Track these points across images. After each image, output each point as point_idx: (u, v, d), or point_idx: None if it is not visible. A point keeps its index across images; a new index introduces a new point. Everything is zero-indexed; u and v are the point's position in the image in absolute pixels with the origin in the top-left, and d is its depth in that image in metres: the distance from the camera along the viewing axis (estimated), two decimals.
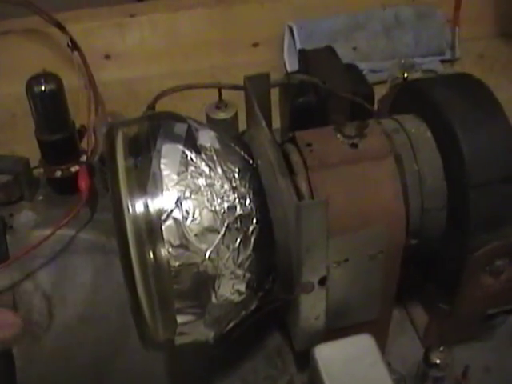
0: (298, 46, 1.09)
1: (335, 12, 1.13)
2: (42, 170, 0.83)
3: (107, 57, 1.13)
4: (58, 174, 0.81)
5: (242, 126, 0.80)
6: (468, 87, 0.60)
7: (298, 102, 0.74)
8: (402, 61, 0.86)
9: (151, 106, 0.68)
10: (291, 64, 1.10)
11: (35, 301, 0.79)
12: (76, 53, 1.03)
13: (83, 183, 0.79)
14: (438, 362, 0.61)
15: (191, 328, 0.54)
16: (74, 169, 0.81)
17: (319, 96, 0.73)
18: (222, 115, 0.80)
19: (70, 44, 1.03)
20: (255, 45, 1.16)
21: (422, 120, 0.61)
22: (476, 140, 0.56)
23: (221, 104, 0.80)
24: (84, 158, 0.83)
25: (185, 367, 0.69)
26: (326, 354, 0.58)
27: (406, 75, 0.84)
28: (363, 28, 1.14)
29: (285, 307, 0.62)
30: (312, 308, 0.58)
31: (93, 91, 1.02)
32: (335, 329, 0.61)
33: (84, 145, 0.87)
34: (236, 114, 0.80)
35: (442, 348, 0.61)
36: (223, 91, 0.78)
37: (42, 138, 0.80)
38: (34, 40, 1.07)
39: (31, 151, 0.85)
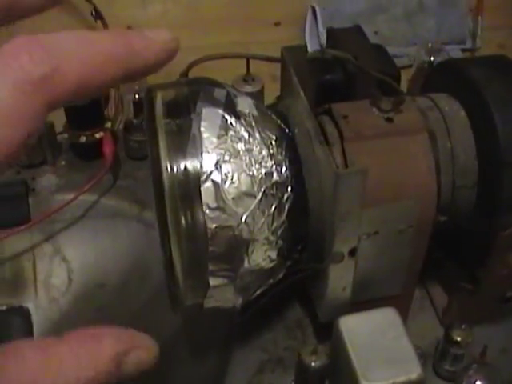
0: (321, 27, 1.09)
1: None
2: (65, 135, 0.83)
3: (129, 28, 1.13)
4: (83, 139, 0.82)
5: (267, 100, 0.81)
6: (503, 67, 0.61)
7: (324, 79, 0.74)
8: (430, 44, 0.86)
9: (184, 74, 0.68)
10: (312, 45, 1.11)
11: (54, 264, 0.80)
12: (99, 22, 1.03)
13: (108, 149, 0.80)
14: (458, 339, 0.62)
15: (221, 292, 0.55)
16: (98, 135, 0.81)
17: (346, 74, 0.74)
18: (248, 88, 0.80)
19: (93, 13, 1.03)
20: (277, 24, 1.16)
21: (456, 99, 0.61)
22: (511, 119, 0.56)
23: (248, 77, 0.80)
24: (109, 124, 0.83)
25: (203, 334, 0.70)
26: (351, 325, 0.58)
27: (432, 59, 0.84)
28: (385, 12, 1.14)
29: (310, 278, 0.62)
30: (340, 279, 0.58)
31: None
32: (358, 302, 0.61)
33: (107, 112, 0.88)
34: (262, 88, 0.81)
35: (463, 326, 0.62)
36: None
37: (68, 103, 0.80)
38: (57, 8, 1.07)
39: (55, 116, 0.85)
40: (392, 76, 0.73)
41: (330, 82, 0.73)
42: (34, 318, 0.77)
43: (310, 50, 1.09)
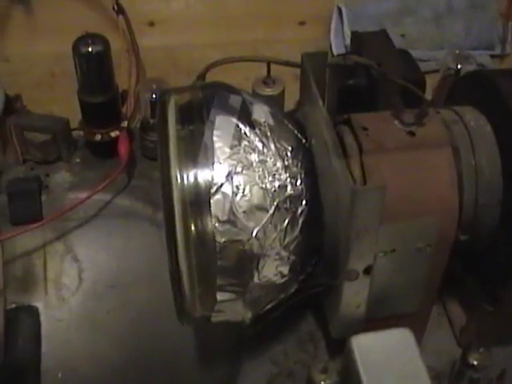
0: (346, 28, 1.07)
1: None
2: (81, 133, 0.82)
3: (151, 23, 1.11)
4: (98, 137, 0.80)
5: (289, 99, 0.79)
6: None
7: (348, 84, 0.72)
8: (457, 51, 0.84)
9: (201, 76, 0.66)
10: (337, 46, 1.08)
11: (65, 263, 0.79)
12: (121, 16, 1.02)
13: (123, 149, 0.78)
14: (475, 363, 0.59)
15: (230, 306, 0.53)
16: (114, 133, 0.80)
17: (370, 79, 0.71)
18: (268, 91, 0.78)
19: (115, 7, 1.01)
20: (302, 23, 1.13)
21: (482, 112, 0.59)
22: None
23: (268, 80, 0.78)
24: (125, 123, 0.81)
25: (214, 343, 0.68)
26: (364, 344, 0.56)
27: (459, 66, 0.82)
28: (413, 13, 1.11)
29: (324, 292, 0.60)
30: (354, 296, 0.56)
31: (135, 56, 1.00)
32: (373, 318, 0.59)
33: (124, 109, 0.86)
34: (283, 91, 0.79)
35: (481, 349, 0.60)
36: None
37: (85, 100, 0.78)
38: (79, 2, 1.05)
39: (68, 112, 0.84)
40: (417, 83, 0.70)
41: (353, 87, 0.71)
42: (43, 318, 0.76)
43: (334, 50, 1.07)
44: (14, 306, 0.76)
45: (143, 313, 0.75)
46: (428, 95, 0.73)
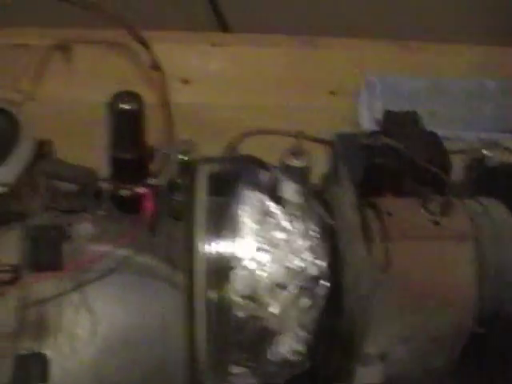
0: (378, 102, 1.08)
1: (418, 74, 1.12)
2: (107, 185, 0.83)
3: (185, 81, 1.13)
4: (124, 192, 0.81)
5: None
6: None
7: (376, 163, 0.72)
8: (484, 136, 0.85)
9: (233, 146, 0.67)
10: (366, 118, 1.09)
11: (80, 315, 0.78)
12: (156, 73, 1.04)
13: (148, 206, 0.79)
14: None
15: (242, 379, 0.53)
16: (140, 190, 0.81)
17: (398, 160, 0.72)
18: (296, 163, 0.78)
19: (151, 63, 1.03)
20: (332, 93, 1.15)
21: (508, 206, 0.59)
22: None
23: (297, 151, 0.79)
24: (152, 180, 0.82)
25: None
26: None
27: (484, 152, 0.82)
28: (444, 93, 1.12)
29: (337, 374, 0.60)
30: (367, 381, 0.56)
31: (167, 113, 1.02)
32: None
33: (152, 166, 0.87)
34: (311, 163, 0.79)
35: None
36: None
37: (114, 155, 0.80)
38: (117, 53, 1.08)
39: (99, 162, 0.85)
40: (442, 166, 0.71)
41: (381, 165, 0.72)
42: (53, 367, 0.76)
43: (362, 122, 1.08)
44: (24, 352, 0.76)
45: (152, 373, 0.75)
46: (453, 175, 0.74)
